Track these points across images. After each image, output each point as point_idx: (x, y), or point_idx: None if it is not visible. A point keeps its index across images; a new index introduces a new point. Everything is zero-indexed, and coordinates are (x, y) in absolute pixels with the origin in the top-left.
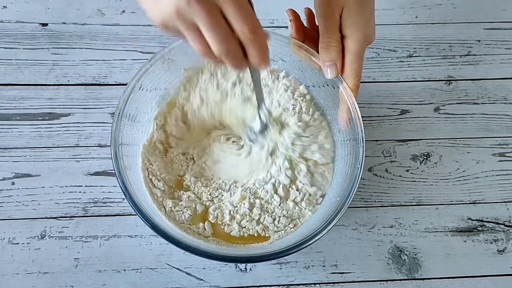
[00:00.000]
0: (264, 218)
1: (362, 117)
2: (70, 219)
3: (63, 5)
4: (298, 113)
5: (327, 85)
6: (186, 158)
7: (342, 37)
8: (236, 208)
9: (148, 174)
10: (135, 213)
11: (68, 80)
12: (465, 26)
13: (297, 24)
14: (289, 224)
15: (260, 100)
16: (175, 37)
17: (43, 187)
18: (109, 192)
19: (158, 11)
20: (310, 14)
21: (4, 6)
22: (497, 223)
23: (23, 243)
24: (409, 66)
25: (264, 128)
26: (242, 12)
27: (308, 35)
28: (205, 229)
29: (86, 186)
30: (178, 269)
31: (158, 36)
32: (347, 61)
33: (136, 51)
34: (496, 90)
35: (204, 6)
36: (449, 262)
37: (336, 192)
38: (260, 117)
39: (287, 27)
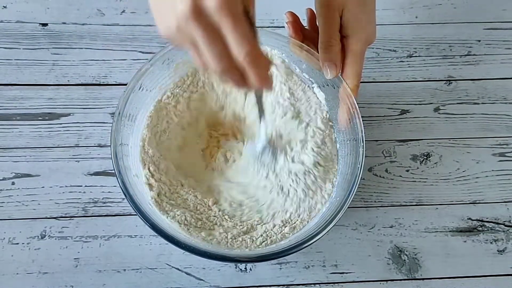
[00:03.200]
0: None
1: (362, 117)
2: (70, 219)
3: (63, 5)
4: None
5: (327, 85)
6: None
7: (343, 37)
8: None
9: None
10: (135, 213)
11: (68, 80)
12: (465, 26)
13: (294, 26)
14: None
15: (260, 117)
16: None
17: (43, 187)
18: (109, 192)
19: (163, 24)
20: (311, 14)
21: (4, 6)
22: (497, 223)
23: (23, 243)
24: (409, 66)
25: (265, 148)
26: (239, 35)
27: (308, 36)
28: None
29: (86, 186)
30: (178, 269)
31: (158, 36)
32: (348, 61)
33: (136, 51)
34: (496, 90)
35: (200, 24)
36: (449, 262)
37: (336, 192)
38: (261, 135)
39: None
